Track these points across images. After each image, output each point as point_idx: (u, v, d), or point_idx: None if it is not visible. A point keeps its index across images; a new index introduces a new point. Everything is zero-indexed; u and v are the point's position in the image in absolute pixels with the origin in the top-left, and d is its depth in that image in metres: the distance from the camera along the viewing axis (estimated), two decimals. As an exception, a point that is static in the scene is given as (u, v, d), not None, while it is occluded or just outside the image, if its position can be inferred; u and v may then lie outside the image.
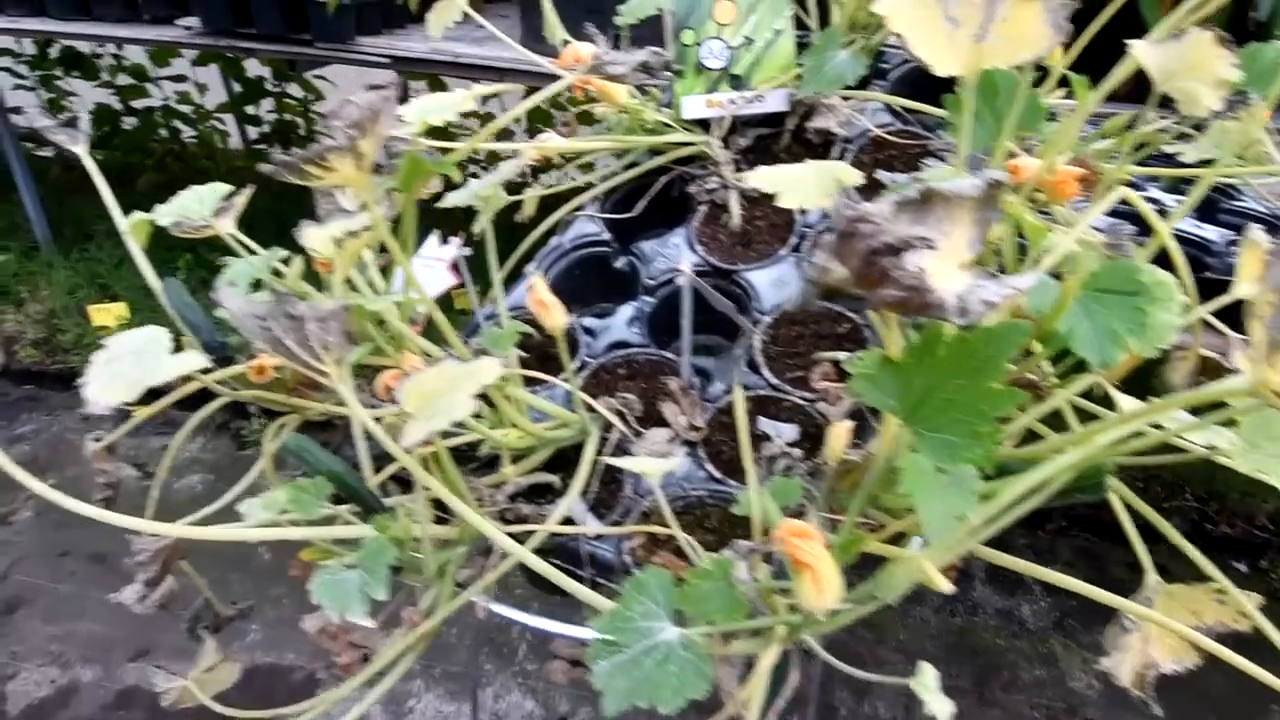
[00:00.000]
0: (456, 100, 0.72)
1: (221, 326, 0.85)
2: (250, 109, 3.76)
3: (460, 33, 2.23)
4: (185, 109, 3.84)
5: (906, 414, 0.49)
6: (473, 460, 0.82)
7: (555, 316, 0.71)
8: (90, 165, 0.83)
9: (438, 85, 3.00)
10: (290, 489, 0.69)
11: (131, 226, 0.82)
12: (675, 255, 1.01)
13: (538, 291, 0.70)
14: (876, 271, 0.37)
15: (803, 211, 0.99)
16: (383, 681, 0.72)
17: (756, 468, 0.79)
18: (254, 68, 3.61)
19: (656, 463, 0.63)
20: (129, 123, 3.89)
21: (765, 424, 0.82)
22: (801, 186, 0.69)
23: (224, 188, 0.83)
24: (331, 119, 0.52)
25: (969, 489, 0.47)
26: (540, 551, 0.62)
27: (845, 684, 2.06)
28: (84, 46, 3.70)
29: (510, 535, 0.76)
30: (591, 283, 1.09)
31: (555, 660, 0.79)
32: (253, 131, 3.95)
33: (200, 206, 0.81)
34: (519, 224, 1.10)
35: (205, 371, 0.80)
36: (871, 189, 0.95)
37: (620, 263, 1.09)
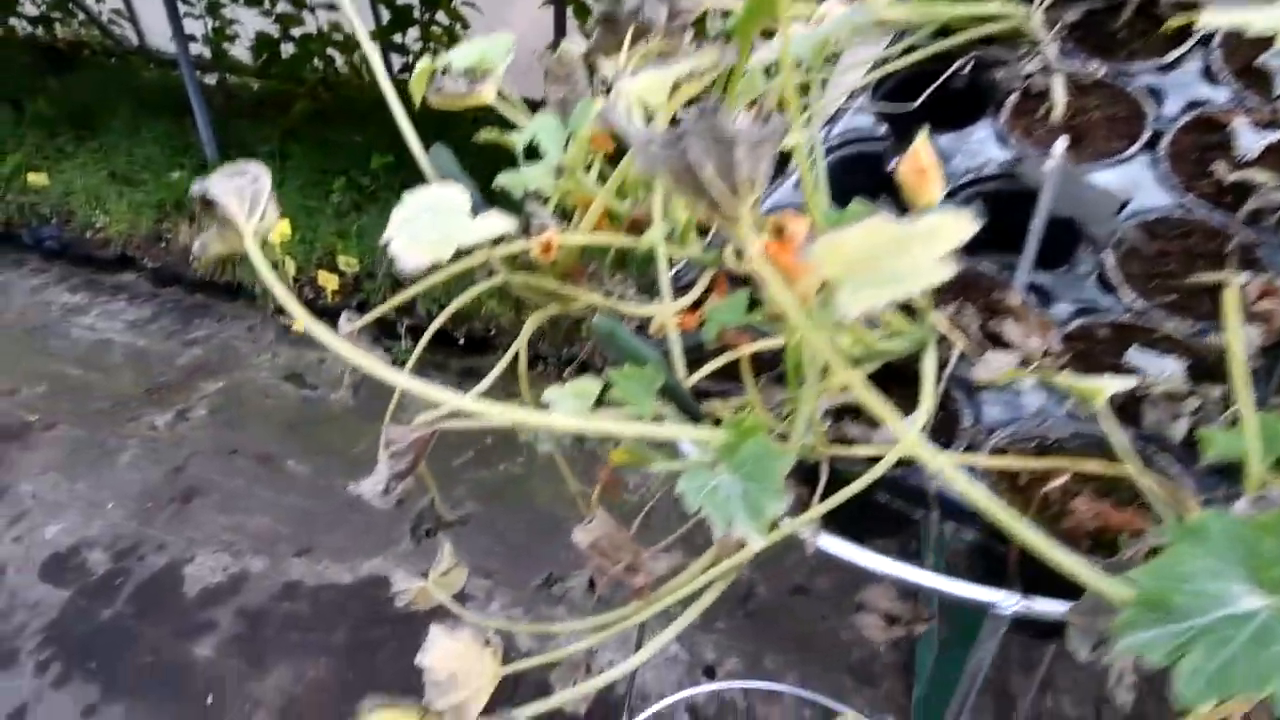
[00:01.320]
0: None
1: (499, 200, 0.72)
2: (397, 38, 3.69)
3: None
4: (337, 37, 3.80)
5: None
6: (773, 367, 0.67)
7: (933, 187, 0.54)
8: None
9: None
10: (618, 377, 0.55)
11: (415, 76, 0.69)
12: (980, 153, 0.82)
13: (919, 155, 0.53)
14: None
15: (1158, 101, 0.78)
16: (687, 614, 0.59)
17: (1145, 410, 0.61)
18: (403, -4, 3.52)
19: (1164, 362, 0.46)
20: (286, 51, 3.88)
21: (1137, 357, 0.64)
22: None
23: (508, 38, 0.69)
24: None
25: None
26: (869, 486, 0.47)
27: (1023, 669, 1.78)
28: (248, -27, 3.68)
29: (835, 459, 0.62)
30: (859, 185, 0.92)
31: (867, 613, 0.64)
32: (397, 62, 3.88)
33: (487, 56, 0.67)
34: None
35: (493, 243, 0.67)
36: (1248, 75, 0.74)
37: (895, 163, 0.91)
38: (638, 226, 0.77)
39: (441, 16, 3.53)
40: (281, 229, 2.76)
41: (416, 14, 3.53)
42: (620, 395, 0.54)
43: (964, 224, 0.39)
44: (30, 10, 4.52)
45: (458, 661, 0.50)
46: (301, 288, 2.81)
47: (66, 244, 3.26)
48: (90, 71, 4.22)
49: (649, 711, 1.67)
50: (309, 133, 3.49)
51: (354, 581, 1.98)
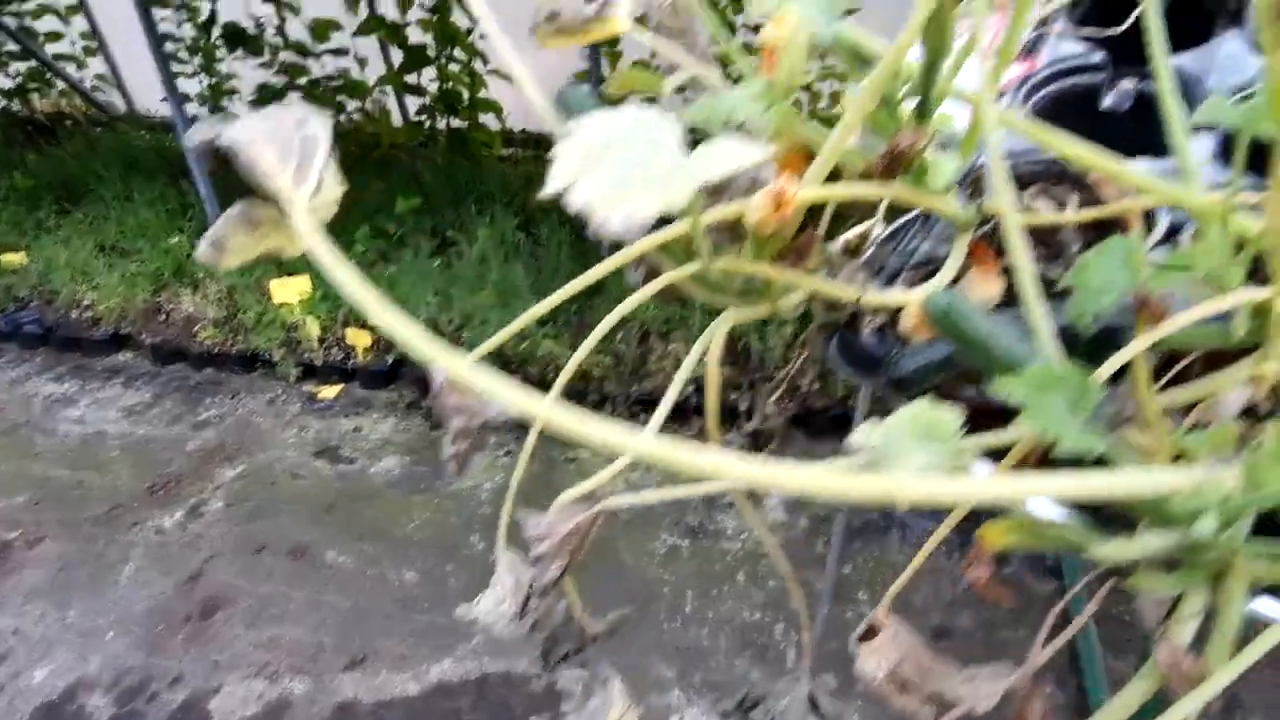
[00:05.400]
0: None
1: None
2: (411, 79, 3.63)
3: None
4: (343, 83, 3.75)
5: None
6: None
7: None
8: None
9: None
10: (1023, 387, 0.35)
11: None
12: (1238, 67, 0.68)
13: None
14: None
15: None
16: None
17: None
18: (416, 35, 3.48)
19: None
20: (292, 101, 3.83)
21: None
22: None
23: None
24: None
25: None
26: None
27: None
28: (247, 23, 3.66)
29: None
30: (1072, 127, 0.71)
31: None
32: (413, 105, 3.82)
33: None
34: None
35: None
36: None
37: (1113, 99, 0.75)
38: (888, 171, 0.61)
39: (459, 53, 3.47)
40: (300, 286, 2.61)
41: (431, 53, 3.47)
42: (1032, 420, 0.34)
43: None
44: (4, 83, 4.53)
45: None
46: (329, 349, 2.65)
47: (50, 327, 3.13)
48: (73, 142, 4.20)
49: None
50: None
51: (421, 693, 1.75)
